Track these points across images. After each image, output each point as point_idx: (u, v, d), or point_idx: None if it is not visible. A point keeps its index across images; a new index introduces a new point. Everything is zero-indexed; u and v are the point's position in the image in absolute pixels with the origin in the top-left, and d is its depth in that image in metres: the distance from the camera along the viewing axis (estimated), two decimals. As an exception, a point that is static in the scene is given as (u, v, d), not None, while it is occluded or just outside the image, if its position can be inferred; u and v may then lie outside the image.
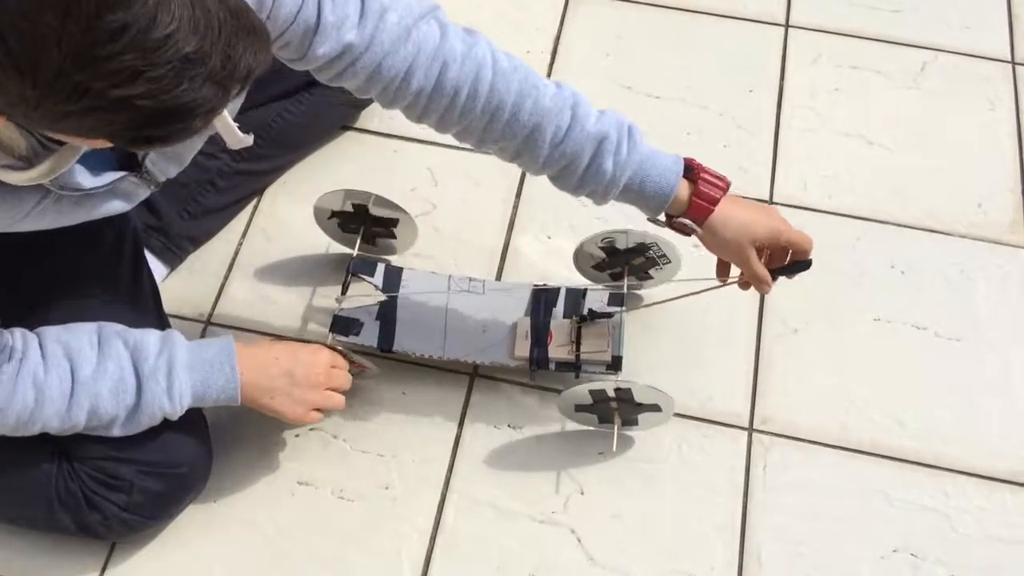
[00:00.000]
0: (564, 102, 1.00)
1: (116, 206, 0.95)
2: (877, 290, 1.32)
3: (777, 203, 1.40)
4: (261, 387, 1.03)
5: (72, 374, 0.95)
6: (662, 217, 1.06)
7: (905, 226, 1.38)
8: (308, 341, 1.12)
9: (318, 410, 1.09)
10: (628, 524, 1.16)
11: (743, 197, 1.36)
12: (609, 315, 1.20)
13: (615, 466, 1.19)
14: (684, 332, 1.28)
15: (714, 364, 1.27)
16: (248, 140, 0.91)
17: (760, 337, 1.29)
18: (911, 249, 1.36)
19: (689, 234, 1.05)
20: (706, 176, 1.03)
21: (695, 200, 1.02)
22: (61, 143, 0.79)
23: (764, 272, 1.07)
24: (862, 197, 1.41)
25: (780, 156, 1.45)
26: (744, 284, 1.11)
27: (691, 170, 1.03)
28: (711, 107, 1.49)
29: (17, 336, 0.95)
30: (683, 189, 1.02)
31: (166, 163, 0.97)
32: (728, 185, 1.04)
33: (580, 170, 1.01)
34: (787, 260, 1.09)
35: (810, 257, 1.08)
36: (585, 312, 1.21)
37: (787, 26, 1.58)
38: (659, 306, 1.29)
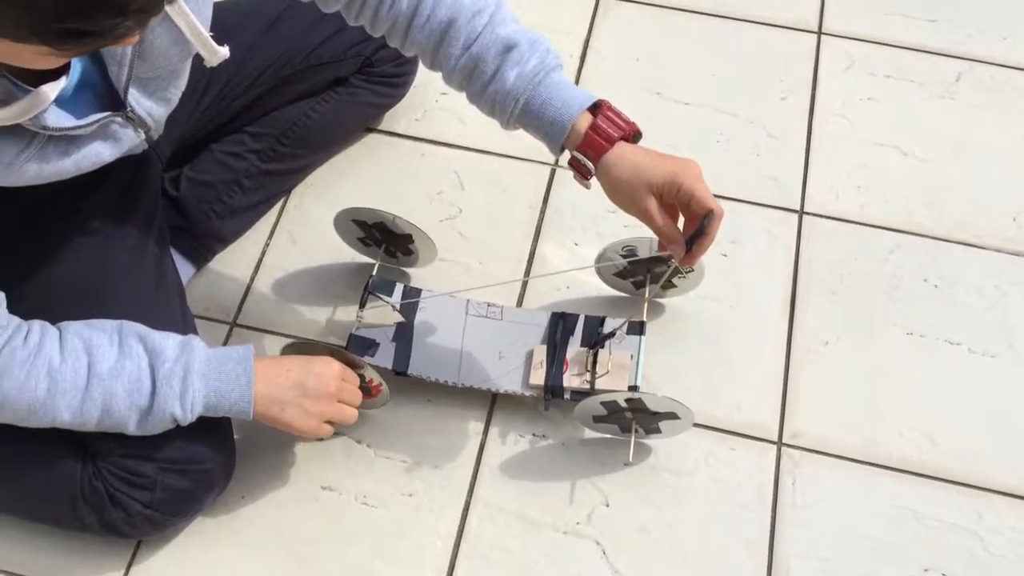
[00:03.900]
0: (485, 5, 0.99)
1: (104, 153, 0.95)
2: (910, 304, 1.30)
3: (808, 213, 1.38)
4: (272, 398, 1.02)
5: (89, 368, 0.95)
6: (566, 158, 1.01)
7: (939, 239, 1.36)
8: (317, 344, 1.10)
9: (330, 424, 1.07)
10: (654, 537, 1.14)
11: (775, 207, 1.38)
12: (611, 334, 1.17)
13: (641, 478, 1.18)
14: (712, 343, 1.27)
15: (742, 376, 1.25)
16: (224, 52, 0.93)
17: (790, 349, 1.27)
18: (945, 262, 1.34)
19: (588, 176, 1.00)
20: (609, 114, 0.99)
21: (590, 133, 0.98)
22: (36, 85, 0.81)
23: (669, 227, 0.98)
24: (895, 209, 1.39)
25: (812, 165, 1.43)
26: (686, 260, 1.00)
27: (599, 107, 0.99)
28: (741, 114, 1.47)
29: (36, 327, 0.95)
30: (583, 121, 0.98)
31: (151, 102, 0.97)
32: (632, 130, 0.99)
33: (486, 76, 0.99)
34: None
35: (713, 218, 0.96)
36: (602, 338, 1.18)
37: (820, 33, 1.56)
38: (687, 317, 1.28)
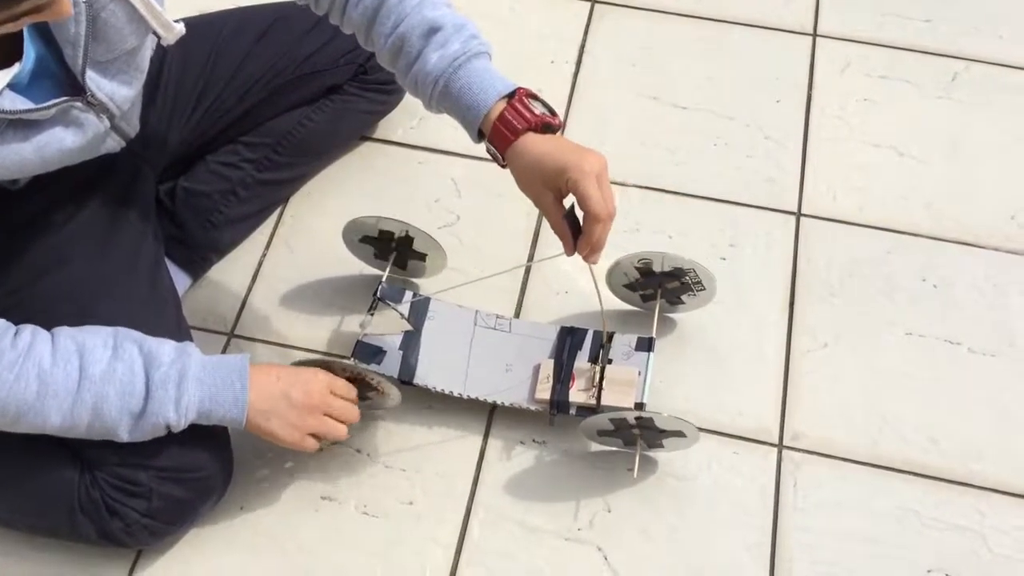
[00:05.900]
0: None
1: (67, 140, 0.95)
2: (909, 304, 1.30)
3: (806, 215, 1.38)
4: (260, 409, 1.02)
5: (81, 371, 0.94)
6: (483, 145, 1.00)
7: (937, 239, 1.36)
8: (313, 362, 1.09)
9: (316, 438, 1.06)
10: (656, 542, 1.14)
11: (772, 210, 1.38)
12: (609, 339, 1.16)
13: (643, 483, 1.17)
14: (711, 346, 1.27)
15: (742, 379, 1.25)
16: (180, 28, 0.94)
17: (789, 352, 1.26)
18: (943, 262, 1.33)
19: (505, 165, 1.00)
20: (518, 105, 0.97)
21: (496, 124, 0.97)
22: None
23: (559, 223, 0.98)
24: (893, 209, 1.38)
25: (808, 167, 1.42)
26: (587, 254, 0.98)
27: (514, 96, 0.98)
28: (738, 118, 1.47)
29: (27, 330, 0.95)
30: (496, 110, 0.97)
31: (112, 85, 0.96)
32: (540, 121, 0.96)
33: (410, 57, 0.99)
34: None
35: (587, 216, 0.95)
36: (608, 355, 1.17)
37: (815, 35, 1.56)
38: (687, 321, 1.27)
